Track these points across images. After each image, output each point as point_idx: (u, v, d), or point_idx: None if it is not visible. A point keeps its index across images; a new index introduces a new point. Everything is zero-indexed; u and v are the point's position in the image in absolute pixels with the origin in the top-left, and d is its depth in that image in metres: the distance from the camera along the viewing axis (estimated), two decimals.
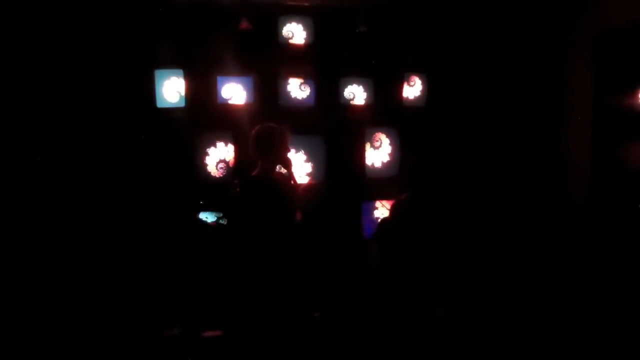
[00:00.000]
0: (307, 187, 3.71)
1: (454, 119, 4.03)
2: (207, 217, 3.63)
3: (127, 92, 3.55)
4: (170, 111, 3.67)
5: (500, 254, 3.74)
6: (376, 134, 4.02)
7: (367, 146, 4.00)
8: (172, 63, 3.65)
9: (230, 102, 3.78)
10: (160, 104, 3.66)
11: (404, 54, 4.00)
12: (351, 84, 3.97)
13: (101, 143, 3.50)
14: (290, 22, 3.85)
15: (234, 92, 3.79)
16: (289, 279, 2.90)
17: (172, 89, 3.68)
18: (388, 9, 3.95)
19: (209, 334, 3.35)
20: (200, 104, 3.72)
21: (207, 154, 3.74)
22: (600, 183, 3.74)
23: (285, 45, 3.86)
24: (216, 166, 3.75)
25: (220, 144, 3.75)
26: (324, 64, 3.89)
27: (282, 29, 3.84)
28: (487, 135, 4.03)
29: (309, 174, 3.87)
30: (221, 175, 3.74)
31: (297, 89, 3.89)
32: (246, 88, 3.80)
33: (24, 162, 3.37)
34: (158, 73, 3.65)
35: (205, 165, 3.74)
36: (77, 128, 3.47)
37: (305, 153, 3.85)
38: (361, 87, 3.98)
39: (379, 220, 3.50)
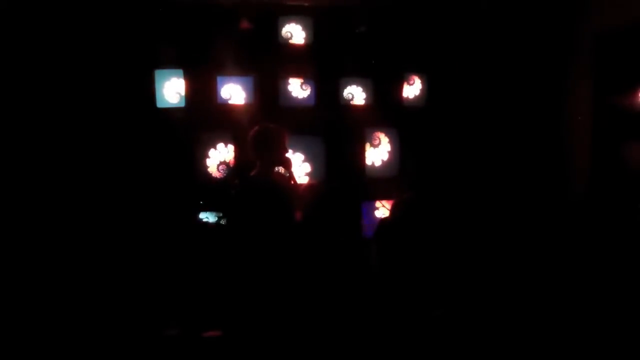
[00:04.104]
0: (306, 187, 3.71)
1: (454, 118, 4.03)
2: (207, 217, 3.63)
3: (128, 92, 3.55)
4: (170, 111, 3.67)
5: (500, 253, 3.74)
6: (376, 133, 4.01)
7: (367, 146, 4.00)
8: (172, 63, 3.65)
9: (230, 102, 3.78)
10: (160, 104, 3.67)
11: (404, 54, 4.00)
12: (351, 84, 3.97)
13: (101, 143, 3.50)
14: (290, 22, 3.85)
15: (234, 92, 3.79)
16: (288, 279, 2.90)
17: (172, 89, 3.68)
18: (388, 9, 3.95)
19: (209, 334, 3.35)
20: (200, 104, 3.72)
21: (207, 154, 3.74)
22: (600, 183, 3.74)
23: (285, 45, 3.86)
24: (216, 167, 3.75)
25: (220, 144, 3.75)
26: (324, 64, 3.88)
27: (282, 29, 3.84)
28: (487, 135, 4.03)
29: (308, 174, 3.87)
30: (221, 176, 3.74)
31: (297, 89, 3.89)
32: (246, 88, 3.80)
33: (25, 162, 3.37)
34: (158, 73, 3.65)
35: (205, 165, 3.74)
36: (78, 128, 3.47)
37: (305, 153, 3.85)
38: (361, 87, 3.98)
39: (379, 220, 3.49)
